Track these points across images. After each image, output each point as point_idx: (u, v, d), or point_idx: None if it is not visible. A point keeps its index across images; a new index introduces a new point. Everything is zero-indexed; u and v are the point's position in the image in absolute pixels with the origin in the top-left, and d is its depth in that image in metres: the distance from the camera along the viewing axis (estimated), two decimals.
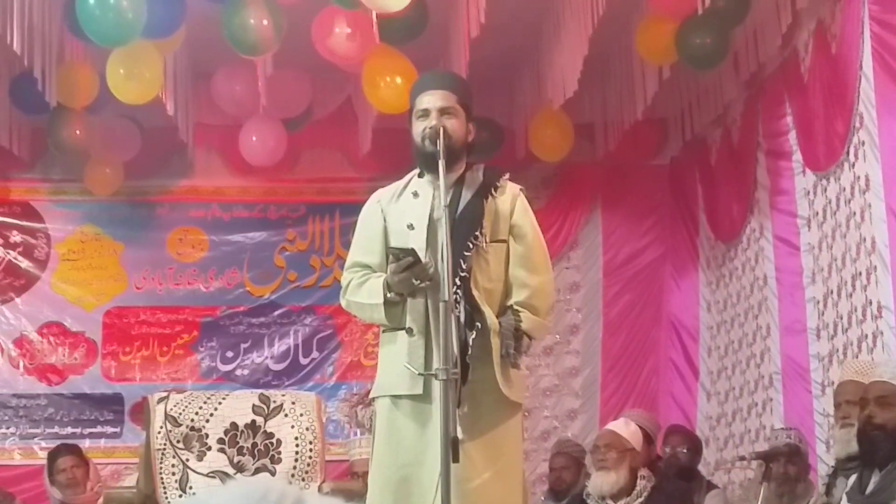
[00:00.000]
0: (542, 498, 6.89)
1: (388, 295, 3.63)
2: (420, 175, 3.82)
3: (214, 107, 7.71)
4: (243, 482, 0.46)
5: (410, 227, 3.72)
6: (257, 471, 4.67)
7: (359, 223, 3.94)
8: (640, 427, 5.75)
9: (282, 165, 7.94)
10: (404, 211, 3.77)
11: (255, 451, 4.77)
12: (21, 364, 7.79)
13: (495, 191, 3.78)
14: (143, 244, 7.96)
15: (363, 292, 3.74)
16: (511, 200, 3.82)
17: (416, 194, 3.78)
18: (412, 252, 3.54)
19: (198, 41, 6.60)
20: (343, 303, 3.89)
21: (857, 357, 5.31)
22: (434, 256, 3.56)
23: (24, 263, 7.90)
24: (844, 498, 4.20)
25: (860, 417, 4.18)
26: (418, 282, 3.57)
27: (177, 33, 6.11)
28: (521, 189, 3.90)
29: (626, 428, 5.57)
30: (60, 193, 7.94)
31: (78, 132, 7.04)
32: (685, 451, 6.23)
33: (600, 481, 5.36)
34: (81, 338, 7.86)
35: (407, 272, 3.54)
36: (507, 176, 3.88)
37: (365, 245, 3.82)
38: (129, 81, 6.21)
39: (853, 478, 4.20)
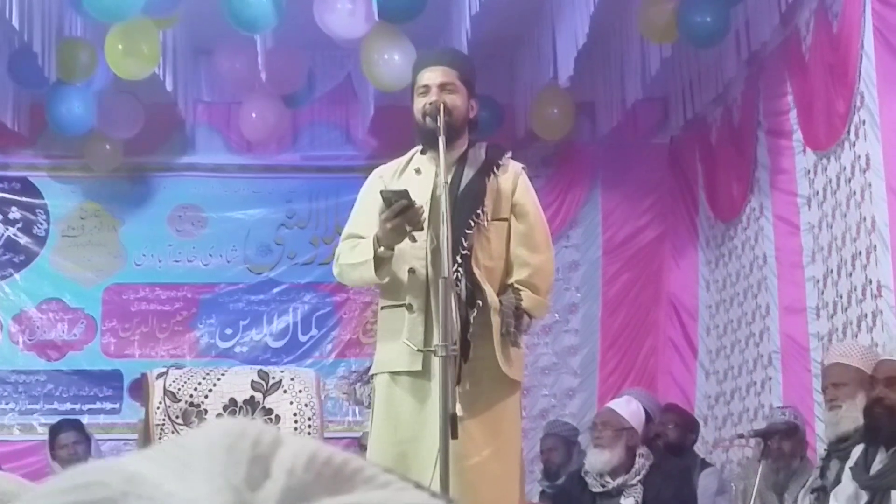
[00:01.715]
0: (540, 477, 6.93)
1: (379, 250, 3.60)
2: (422, 152, 3.82)
3: (214, 83, 7.69)
4: (220, 422, 0.46)
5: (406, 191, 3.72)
6: None
7: (359, 197, 3.93)
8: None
9: (282, 142, 7.94)
10: (407, 187, 3.76)
11: None
12: (20, 340, 7.79)
13: (497, 169, 3.78)
14: (142, 221, 7.95)
15: (354, 254, 3.73)
16: (513, 179, 3.82)
17: (418, 171, 3.78)
18: (405, 194, 3.51)
19: (197, 17, 6.57)
20: (335, 271, 3.87)
21: (856, 337, 5.32)
22: (436, 233, 3.55)
23: (24, 240, 7.89)
24: (849, 474, 4.21)
25: (869, 396, 4.20)
26: (410, 228, 3.53)
27: (176, 9, 6.09)
28: (523, 167, 3.90)
29: (626, 406, 5.58)
30: (60, 170, 7.92)
31: (76, 108, 7.02)
32: (671, 427, 6.26)
33: (595, 459, 5.40)
34: (81, 314, 7.86)
35: (400, 217, 3.50)
36: (510, 154, 3.88)
37: (363, 218, 3.80)
38: (127, 57, 6.20)
39: (858, 454, 4.21)
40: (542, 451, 6.88)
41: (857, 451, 4.21)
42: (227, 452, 0.43)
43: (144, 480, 0.42)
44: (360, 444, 6.38)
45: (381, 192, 3.60)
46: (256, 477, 0.42)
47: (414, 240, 3.62)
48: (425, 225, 3.62)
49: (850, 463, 4.23)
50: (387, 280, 3.69)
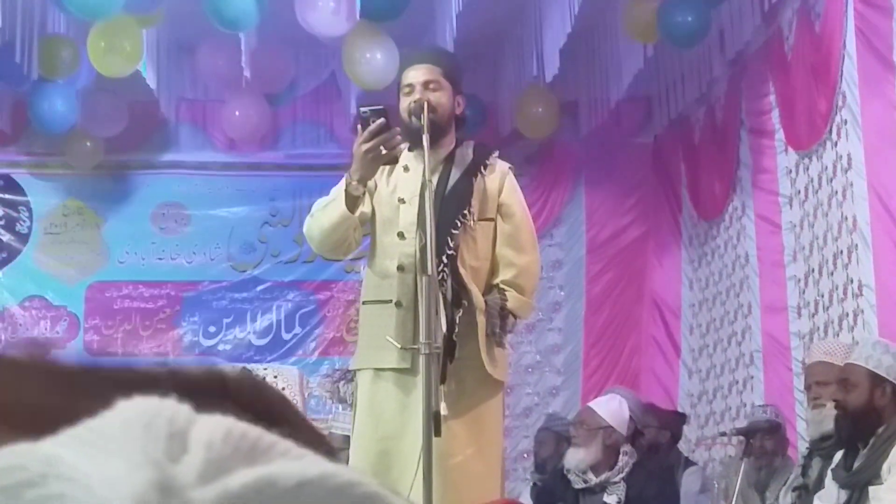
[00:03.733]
0: (532, 471, 6.99)
1: (352, 182, 3.53)
2: (410, 149, 3.81)
3: (197, 81, 7.67)
4: (132, 402, 0.46)
5: (401, 200, 3.72)
6: None
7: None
8: None
9: (265, 140, 7.93)
10: (395, 185, 3.76)
11: None
12: (3, 338, 7.76)
13: (484, 169, 3.79)
14: (125, 218, 7.93)
15: (324, 200, 3.68)
16: (500, 179, 3.82)
17: (406, 168, 3.77)
18: (384, 112, 3.47)
19: (180, 15, 6.55)
20: (305, 226, 3.80)
21: (837, 336, 5.34)
22: (423, 231, 3.55)
23: (6, 237, 7.86)
24: (829, 475, 4.24)
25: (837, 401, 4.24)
26: (386, 152, 3.49)
27: (158, 7, 6.08)
28: (510, 167, 3.90)
29: (605, 405, 5.58)
30: (42, 167, 7.90)
31: (58, 105, 7.00)
32: (652, 426, 6.28)
33: (571, 457, 5.43)
34: (63, 312, 7.84)
35: (377, 139, 3.46)
36: (497, 154, 3.88)
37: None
38: (109, 54, 6.18)
39: (838, 456, 4.24)
40: (535, 444, 6.98)
41: (839, 455, 4.24)
42: (143, 430, 0.43)
43: (62, 461, 0.42)
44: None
45: (359, 108, 3.55)
46: (175, 452, 0.42)
47: (403, 237, 3.62)
48: (414, 220, 3.62)
49: (832, 465, 4.26)
50: (355, 215, 3.59)
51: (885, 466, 3.90)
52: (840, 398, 4.13)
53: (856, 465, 4.06)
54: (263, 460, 0.43)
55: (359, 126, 3.47)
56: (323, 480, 0.43)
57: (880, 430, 3.99)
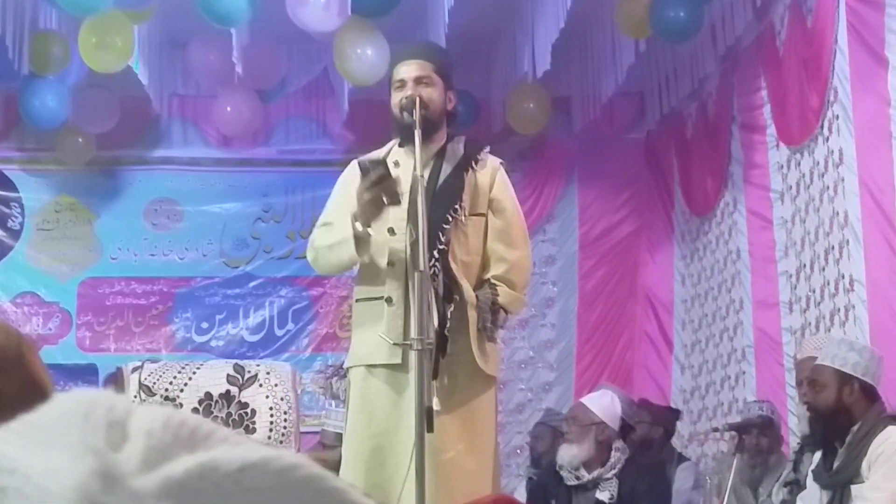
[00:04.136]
0: (528, 465, 7.00)
1: (357, 227, 3.58)
2: (400, 145, 3.82)
3: (189, 77, 7.66)
4: (70, 394, 0.46)
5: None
6: None
7: (336, 186, 3.93)
8: None
9: (257, 136, 7.92)
10: None
11: (230, 422, 4.77)
12: None
13: (475, 164, 3.79)
14: (117, 214, 7.91)
15: (330, 236, 3.72)
16: (491, 174, 3.82)
17: (396, 164, 3.78)
18: (383, 163, 3.52)
19: (171, 10, 6.54)
20: (310, 256, 3.85)
21: (829, 331, 5.35)
22: (415, 226, 3.55)
23: None
24: (810, 476, 4.26)
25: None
26: (388, 200, 3.53)
27: (150, 2, 6.07)
28: (501, 163, 3.90)
29: (597, 401, 5.57)
30: (34, 163, 7.88)
31: (49, 101, 6.98)
32: (644, 422, 6.28)
33: (563, 453, 5.43)
34: (56, 308, 7.82)
35: (377, 188, 3.50)
36: (488, 149, 3.89)
37: (339, 207, 3.79)
38: (100, 50, 6.17)
39: (817, 457, 4.25)
40: (531, 438, 6.98)
41: (818, 455, 4.26)
42: (82, 420, 0.43)
43: (2, 455, 0.42)
44: (321, 443, 6.35)
45: (359, 161, 3.60)
46: (115, 440, 0.42)
47: (393, 233, 3.63)
48: (405, 215, 3.62)
49: (812, 466, 4.27)
50: (365, 259, 3.66)
51: (864, 464, 3.91)
52: (810, 400, 4.17)
53: (835, 464, 4.07)
54: (204, 447, 0.43)
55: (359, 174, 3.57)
56: (265, 464, 0.43)
57: (855, 427, 4.00)
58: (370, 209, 3.54)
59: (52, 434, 0.43)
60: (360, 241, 3.60)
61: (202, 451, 0.42)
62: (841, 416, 4.04)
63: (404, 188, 3.67)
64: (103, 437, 0.42)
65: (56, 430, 0.42)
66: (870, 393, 4.08)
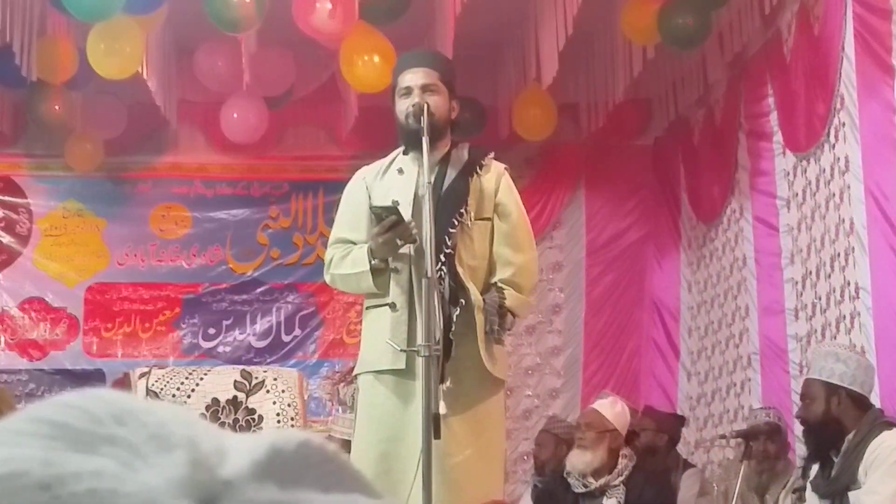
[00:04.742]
0: (533, 473, 6.98)
1: (373, 262, 3.64)
2: (405, 152, 3.83)
3: (197, 83, 7.68)
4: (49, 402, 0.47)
5: (396, 203, 3.74)
6: None
7: (343, 199, 3.95)
8: None
9: (265, 142, 7.93)
10: (389, 188, 3.78)
11: (237, 427, 4.78)
12: (2, 339, 7.77)
13: (480, 169, 3.81)
14: (125, 220, 7.94)
15: (347, 263, 3.76)
16: (496, 179, 3.84)
17: (401, 171, 3.79)
18: (395, 210, 3.56)
19: (180, 17, 6.57)
20: (327, 278, 3.90)
21: (834, 338, 5.35)
22: (419, 233, 3.57)
23: (6, 239, 7.86)
24: (809, 487, 4.27)
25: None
26: (402, 242, 3.57)
27: (159, 9, 6.09)
28: (505, 168, 3.92)
29: (610, 408, 5.57)
30: (42, 169, 7.90)
31: (57, 107, 7.01)
32: (649, 429, 6.28)
33: (576, 460, 5.40)
34: (63, 314, 7.84)
35: (390, 233, 3.54)
36: (492, 154, 3.91)
37: (349, 221, 3.83)
38: (109, 57, 6.19)
39: (815, 469, 4.27)
40: (534, 446, 6.97)
41: (815, 467, 4.27)
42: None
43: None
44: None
45: (371, 207, 3.66)
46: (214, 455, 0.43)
47: (407, 269, 3.68)
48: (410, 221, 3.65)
49: (811, 478, 4.28)
50: (382, 289, 3.73)
51: (860, 470, 3.93)
52: (801, 414, 4.20)
53: (833, 473, 4.08)
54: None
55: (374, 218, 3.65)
56: None
57: (850, 435, 4.02)
58: (385, 250, 3.62)
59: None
60: (378, 271, 3.66)
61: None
62: (831, 427, 4.07)
63: (408, 195, 3.70)
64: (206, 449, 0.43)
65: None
66: (860, 401, 4.09)
